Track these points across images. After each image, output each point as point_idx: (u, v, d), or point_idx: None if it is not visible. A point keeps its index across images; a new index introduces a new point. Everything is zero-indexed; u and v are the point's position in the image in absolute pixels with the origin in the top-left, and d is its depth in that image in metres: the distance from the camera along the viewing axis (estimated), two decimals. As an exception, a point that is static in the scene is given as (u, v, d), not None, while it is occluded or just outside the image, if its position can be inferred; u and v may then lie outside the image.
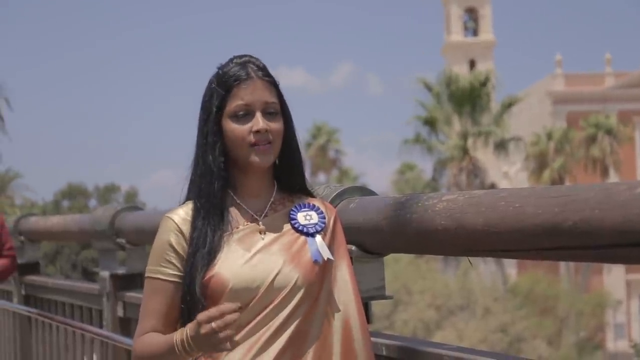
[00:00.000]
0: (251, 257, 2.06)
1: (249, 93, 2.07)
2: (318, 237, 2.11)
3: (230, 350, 1.93)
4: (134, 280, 4.45)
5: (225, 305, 1.90)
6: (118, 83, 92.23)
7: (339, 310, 2.10)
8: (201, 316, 1.90)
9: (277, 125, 2.09)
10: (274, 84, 2.12)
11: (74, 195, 36.03)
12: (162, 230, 2.12)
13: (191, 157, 2.14)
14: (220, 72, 2.11)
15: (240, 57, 2.13)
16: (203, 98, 2.14)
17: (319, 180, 43.40)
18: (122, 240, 4.40)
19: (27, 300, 5.75)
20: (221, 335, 1.87)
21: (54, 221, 5.63)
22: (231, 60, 2.13)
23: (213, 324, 1.88)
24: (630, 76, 43.16)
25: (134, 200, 34.54)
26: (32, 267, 5.89)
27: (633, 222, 1.59)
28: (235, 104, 2.07)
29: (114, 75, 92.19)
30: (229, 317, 1.88)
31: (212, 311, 1.89)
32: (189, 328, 1.95)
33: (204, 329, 1.89)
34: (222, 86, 2.09)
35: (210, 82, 2.12)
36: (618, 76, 43.44)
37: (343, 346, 2.09)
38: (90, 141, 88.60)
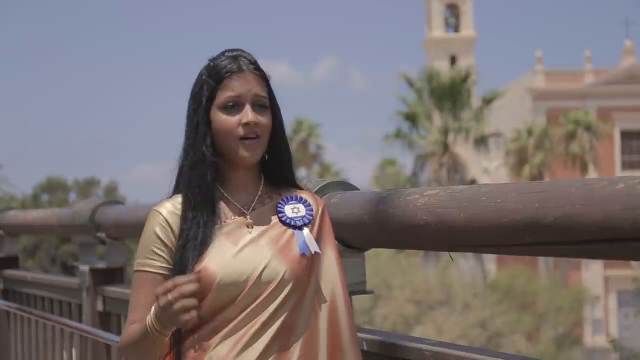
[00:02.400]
0: (238, 251, 2.06)
1: (240, 85, 2.07)
2: (305, 230, 2.11)
3: (190, 322, 1.92)
4: (114, 275, 4.43)
5: (180, 277, 1.91)
6: (99, 77, 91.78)
7: (326, 302, 2.11)
8: (158, 289, 1.92)
9: (265, 120, 2.09)
10: (264, 79, 2.12)
11: (53, 189, 35.86)
12: (149, 224, 2.12)
13: (179, 148, 2.13)
14: (212, 63, 2.11)
15: (232, 50, 2.13)
16: (192, 89, 2.13)
17: (299, 175, 43.33)
18: (102, 235, 4.39)
19: (5, 294, 5.72)
20: (177, 305, 1.88)
21: (34, 215, 5.60)
22: (223, 53, 2.13)
23: (169, 295, 1.89)
24: (610, 73, 43.39)
25: (114, 194, 34.40)
26: (11, 261, 5.86)
27: (613, 218, 1.60)
28: (225, 95, 2.07)
29: (95, 69, 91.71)
30: (184, 288, 1.89)
31: (168, 283, 1.91)
32: (154, 305, 1.96)
33: (161, 301, 1.90)
34: (212, 77, 2.08)
35: (201, 74, 2.12)
36: (597, 73, 43.65)
37: (330, 335, 2.09)
38: (70, 134, 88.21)
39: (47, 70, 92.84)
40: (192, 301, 1.90)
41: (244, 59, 2.11)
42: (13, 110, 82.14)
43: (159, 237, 2.09)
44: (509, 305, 29.16)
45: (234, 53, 2.12)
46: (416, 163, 38.41)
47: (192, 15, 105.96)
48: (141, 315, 2.09)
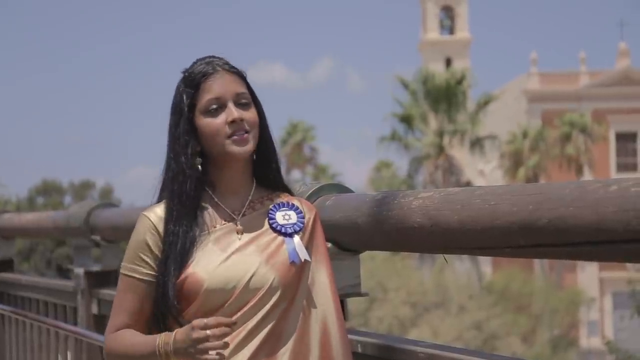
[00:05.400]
0: (227, 257, 2.05)
1: (218, 86, 2.07)
2: (296, 238, 2.10)
3: None
4: (109, 278, 4.43)
5: (223, 318, 1.91)
6: (94, 79, 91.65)
7: (316, 312, 2.09)
8: (197, 322, 1.90)
9: (251, 115, 2.08)
10: (241, 76, 2.12)
11: (48, 191, 35.85)
12: (138, 229, 2.11)
13: (163, 159, 2.13)
14: (186, 73, 2.11)
15: (204, 57, 2.13)
16: (172, 102, 2.12)
17: (293, 177, 43.38)
18: (97, 237, 4.38)
19: (0, 297, 5.70)
20: (212, 344, 1.88)
21: (29, 218, 5.59)
22: (195, 62, 2.12)
23: (208, 331, 1.88)
24: (605, 75, 43.49)
25: (109, 196, 34.40)
26: (6, 264, 5.85)
27: (607, 219, 1.60)
28: (206, 98, 2.06)
29: (91, 72, 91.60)
30: (225, 330, 1.89)
31: (210, 319, 1.90)
32: (178, 332, 1.95)
33: (197, 334, 1.89)
34: (190, 85, 2.08)
35: (178, 87, 2.11)
36: (592, 75, 43.76)
37: (321, 351, 2.08)
38: (65, 137, 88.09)
39: (43, 73, 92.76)
40: (226, 344, 1.91)
41: (217, 61, 2.10)
42: (8, 113, 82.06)
43: (146, 244, 2.09)
44: (505, 307, 29.19)
45: (206, 59, 2.12)
46: (411, 165, 38.47)
47: (188, 17, 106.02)
48: (126, 321, 2.10)
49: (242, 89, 2.10)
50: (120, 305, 2.12)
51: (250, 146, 2.08)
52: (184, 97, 2.08)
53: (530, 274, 34.56)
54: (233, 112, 2.05)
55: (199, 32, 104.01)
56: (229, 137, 2.05)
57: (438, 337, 25.12)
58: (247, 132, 2.06)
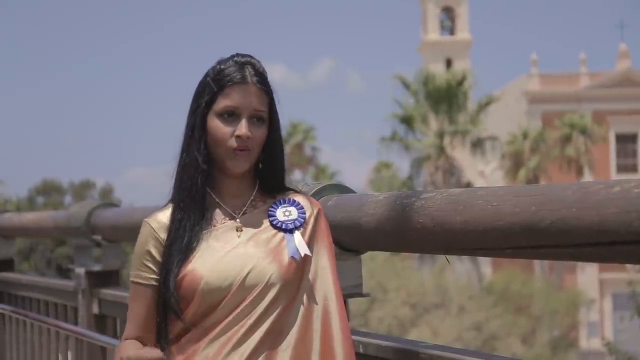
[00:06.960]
0: (226, 254, 2.06)
1: (240, 97, 2.07)
2: (297, 234, 2.10)
3: None
4: (110, 278, 4.43)
5: None
6: (94, 79, 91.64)
7: (319, 306, 2.09)
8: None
9: (259, 134, 2.09)
10: (267, 93, 2.11)
11: (48, 191, 35.85)
12: (141, 236, 2.15)
13: (179, 146, 2.14)
14: (219, 67, 2.11)
15: (243, 56, 2.12)
16: (197, 88, 2.14)
17: (294, 178, 43.31)
18: (98, 237, 4.39)
19: (1, 297, 5.71)
20: None
21: (29, 218, 5.59)
22: (232, 57, 2.12)
23: None
24: (605, 76, 43.51)
25: (109, 197, 34.41)
26: (7, 264, 5.85)
27: (609, 221, 1.60)
28: (224, 104, 2.07)
29: (90, 71, 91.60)
30: None
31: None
32: None
33: None
34: (216, 83, 2.09)
35: (207, 75, 2.12)
36: (593, 76, 43.77)
37: (322, 345, 2.07)
38: (66, 137, 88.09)
39: (42, 73, 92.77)
40: None
41: (250, 70, 2.10)
42: (8, 113, 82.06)
43: (148, 250, 2.11)
44: (505, 308, 29.18)
45: (244, 59, 2.11)
46: (412, 166, 38.46)
47: (189, 18, 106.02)
48: (136, 330, 2.14)
49: (262, 107, 2.10)
50: (131, 313, 2.17)
51: (246, 166, 2.10)
52: (206, 91, 2.10)
53: (530, 275, 34.56)
54: (243, 128, 2.06)
55: (199, 33, 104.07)
56: (232, 150, 2.07)
57: (438, 338, 25.12)
58: (249, 150, 2.08)
